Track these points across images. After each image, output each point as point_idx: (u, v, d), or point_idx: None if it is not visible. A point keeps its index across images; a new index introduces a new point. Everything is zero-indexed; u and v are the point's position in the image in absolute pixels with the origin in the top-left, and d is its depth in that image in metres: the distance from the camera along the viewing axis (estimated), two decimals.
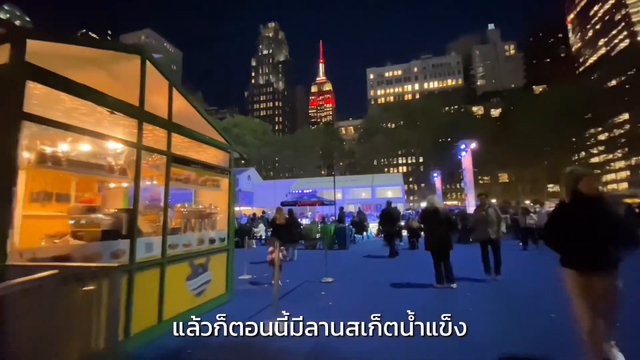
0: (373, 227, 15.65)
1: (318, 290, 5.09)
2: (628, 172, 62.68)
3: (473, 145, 18.26)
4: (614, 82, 53.58)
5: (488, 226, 5.87)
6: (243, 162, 60.44)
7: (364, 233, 13.49)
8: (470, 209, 17.39)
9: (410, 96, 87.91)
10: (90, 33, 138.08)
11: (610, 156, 61.24)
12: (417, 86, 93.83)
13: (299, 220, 12.11)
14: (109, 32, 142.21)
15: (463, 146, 18.41)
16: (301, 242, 10.08)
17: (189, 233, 3.90)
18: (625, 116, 56.02)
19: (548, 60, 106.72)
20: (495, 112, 70.64)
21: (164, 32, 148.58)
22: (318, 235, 10.88)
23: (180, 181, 4.05)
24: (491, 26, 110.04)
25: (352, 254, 9.32)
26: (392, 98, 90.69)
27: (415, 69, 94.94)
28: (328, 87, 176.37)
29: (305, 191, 40.00)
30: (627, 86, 53.41)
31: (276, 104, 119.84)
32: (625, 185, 63.34)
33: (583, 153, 63.23)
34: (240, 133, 59.16)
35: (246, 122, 63.79)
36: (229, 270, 4.44)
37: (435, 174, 30.66)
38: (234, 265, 4.60)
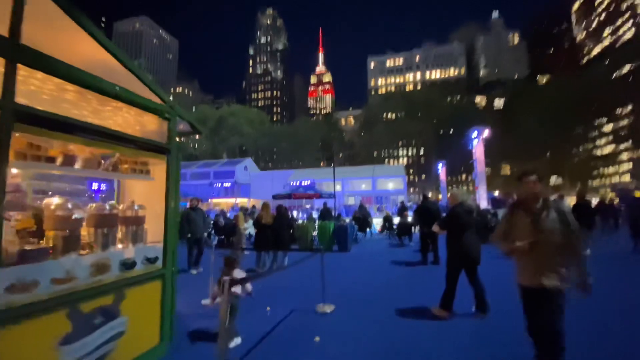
0: (376, 222, 14.05)
1: (310, 332, 3.39)
2: (630, 165, 61.19)
3: (486, 133, 16.48)
4: (618, 73, 51.88)
5: None
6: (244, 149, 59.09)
7: (367, 230, 11.91)
8: (483, 202, 15.77)
9: (411, 86, 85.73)
10: None
11: (614, 148, 59.94)
12: (418, 76, 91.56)
13: (293, 216, 10.47)
14: (103, 19, 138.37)
15: (475, 134, 16.63)
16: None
17: (69, 257, 2.16)
18: (629, 108, 54.66)
19: (552, 50, 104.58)
20: (498, 103, 68.97)
21: (160, 20, 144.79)
22: (315, 233, 9.28)
23: (55, 162, 2.32)
24: (495, 14, 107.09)
25: (356, 259, 7.88)
26: (393, 88, 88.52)
27: (417, 58, 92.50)
28: (328, 78, 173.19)
29: (303, 183, 38.38)
30: (631, 78, 51.82)
31: (274, 93, 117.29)
32: (627, 177, 61.88)
33: (588, 145, 62.01)
34: (237, 123, 57.27)
35: (243, 111, 61.83)
36: (165, 308, 2.76)
37: (440, 165, 28.93)
38: (174, 298, 2.91)
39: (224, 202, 39.17)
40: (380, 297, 4.70)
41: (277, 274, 5.36)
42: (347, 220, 11.72)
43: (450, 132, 55.98)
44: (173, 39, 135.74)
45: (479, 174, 16.50)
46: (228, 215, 11.86)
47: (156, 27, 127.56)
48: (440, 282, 3.97)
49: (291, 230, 7.35)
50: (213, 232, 10.02)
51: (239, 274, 3.17)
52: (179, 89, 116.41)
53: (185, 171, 44.53)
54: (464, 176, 69.59)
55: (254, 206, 12.71)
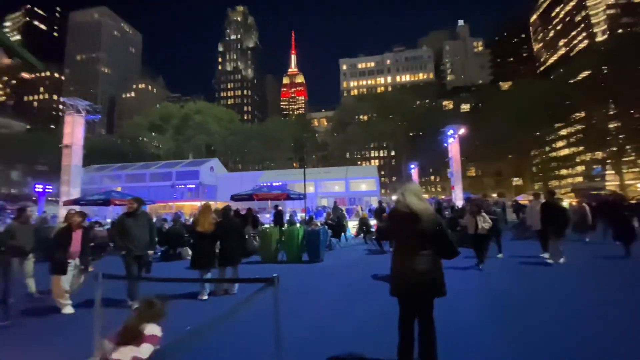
0: (351, 225, 12.95)
1: None
2: (583, 167, 65.46)
3: (462, 131, 16.04)
4: (573, 81, 55.29)
5: None
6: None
7: (342, 234, 10.78)
8: (459, 202, 15.24)
9: (383, 89, 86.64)
10: (35, 9, 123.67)
11: (570, 151, 63.82)
12: (389, 79, 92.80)
13: (256, 219, 9.06)
14: (58, 8, 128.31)
15: (451, 132, 16.16)
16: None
17: None
18: (582, 114, 58.31)
19: (512, 59, 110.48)
20: (464, 107, 71.25)
21: (121, 12, 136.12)
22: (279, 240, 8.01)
23: None
24: (461, 22, 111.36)
25: (329, 274, 6.58)
26: (365, 90, 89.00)
27: (388, 61, 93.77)
28: (300, 79, 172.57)
29: (274, 184, 36.92)
30: (584, 85, 55.32)
31: (245, 92, 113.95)
32: (580, 179, 66.09)
33: (547, 148, 65.62)
34: (203, 120, 54.38)
35: (210, 108, 58.96)
36: None
37: (412, 166, 28.67)
38: None
39: (188, 205, 36.74)
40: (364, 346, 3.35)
41: (215, 303, 3.98)
42: (320, 223, 10.51)
43: (421, 134, 56.80)
44: (136, 32, 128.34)
45: (455, 172, 16.02)
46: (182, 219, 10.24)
47: (117, 18, 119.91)
48: (439, 310, 2.81)
49: (243, 241, 5.75)
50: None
51: (148, 340, 1.96)
52: (141, 85, 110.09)
53: (144, 172, 41.51)
54: (432, 177, 71.19)
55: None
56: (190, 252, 8.57)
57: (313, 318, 4.13)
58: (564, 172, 66.72)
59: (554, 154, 65.54)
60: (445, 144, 16.87)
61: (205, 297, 4.67)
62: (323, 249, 7.76)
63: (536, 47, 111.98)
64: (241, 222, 8.36)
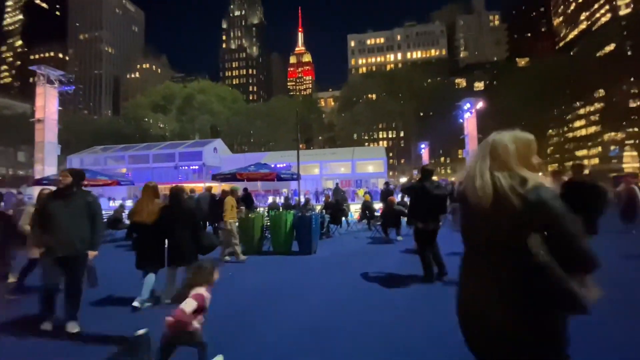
0: (354, 209, 11.74)
1: None
2: (600, 149, 62.66)
3: (480, 105, 14.41)
4: (593, 57, 52.03)
5: None
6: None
7: (343, 219, 9.59)
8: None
9: (392, 66, 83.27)
10: None
11: (587, 131, 61.00)
12: (399, 55, 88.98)
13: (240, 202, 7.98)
14: None
15: (467, 106, 14.54)
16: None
17: None
18: (602, 92, 55.38)
19: (529, 34, 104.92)
20: (478, 85, 68.31)
21: None
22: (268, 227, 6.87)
23: None
24: None
25: (320, 271, 5.36)
26: (373, 68, 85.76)
27: (399, 37, 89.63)
28: (307, 58, 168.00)
29: (278, 165, 35.90)
30: (605, 60, 52.15)
31: (250, 71, 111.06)
32: (595, 160, 63.41)
33: (564, 127, 62.88)
34: (206, 100, 53.07)
35: (214, 88, 57.41)
36: None
37: (422, 146, 27.08)
38: None
39: (193, 187, 36.10)
40: None
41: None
42: (319, 207, 9.32)
43: (431, 114, 54.60)
44: (138, 10, 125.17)
45: (471, 151, 14.46)
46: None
47: None
48: None
49: (199, 234, 3.90)
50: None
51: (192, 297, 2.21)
52: (145, 65, 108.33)
53: (147, 153, 40.95)
54: (443, 159, 69.09)
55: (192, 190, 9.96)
56: None
57: (286, 337, 2.99)
58: (579, 153, 64.00)
59: (571, 134, 62.88)
60: (461, 120, 15.28)
61: (137, 304, 3.51)
62: (316, 239, 6.60)
63: (556, 21, 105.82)
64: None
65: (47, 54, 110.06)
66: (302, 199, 9.95)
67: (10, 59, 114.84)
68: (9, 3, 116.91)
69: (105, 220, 7.93)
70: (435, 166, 65.27)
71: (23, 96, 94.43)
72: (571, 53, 60.43)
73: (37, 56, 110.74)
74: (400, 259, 5.92)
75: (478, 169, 1.31)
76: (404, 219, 7.29)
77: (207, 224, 7.77)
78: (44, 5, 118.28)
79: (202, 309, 2.23)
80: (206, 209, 7.19)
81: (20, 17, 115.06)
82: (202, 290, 2.27)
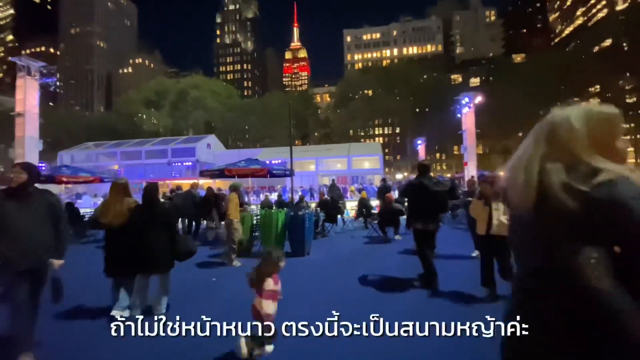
0: (350, 206, 11.38)
1: None
2: None
3: (479, 99, 14.07)
4: (589, 53, 52.08)
5: None
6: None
7: (339, 217, 9.22)
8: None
9: (388, 61, 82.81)
10: None
11: None
12: (395, 51, 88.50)
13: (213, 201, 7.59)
14: None
15: (466, 100, 14.20)
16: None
17: None
18: (598, 88, 55.56)
19: (525, 30, 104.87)
20: (474, 81, 68.20)
21: None
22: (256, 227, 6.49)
23: None
24: None
25: (312, 276, 4.88)
26: (369, 63, 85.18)
27: (395, 32, 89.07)
28: (303, 53, 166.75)
29: (273, 162, 35.45)
30: (601, 56, 52.27)
31: (245, 66, 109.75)
32: None
33: None
34: (200, 96, 52.21)
35: (208, 83, 56.53)
36: None
37: (419, 142, 26.79)
38: None
39: (186, 184, 35.58)
40: None
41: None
42: (314, 204, 8.94)
43: (427, 110, 54.35)
44: (131, 3, 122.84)
45: (469, 147, 14.20)
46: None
47: None
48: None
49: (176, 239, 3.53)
50: None
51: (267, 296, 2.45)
52: (138, 60, 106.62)
53: (139, 149, 40.24)
54: (438, 155, 69.02)
55: (178, 187, 9.43)
56: None
57: (273, 353, 2.62)
58: None
59: None
60: (459, 115, 14.95)
61: (115, 312, 3.12)
62: (310, 239, 6.23)
63: (551, 17, 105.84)
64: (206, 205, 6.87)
65: (38, 49, 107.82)
66: (296, 197, 9.58)
67: (2, 54, 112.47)
68: None
69: (87, 219, 7.51)
70: (431, 162, 65.32)
71: (14, 92, 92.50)
72: (567, 49, 60.50)
73: (28, 51, 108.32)
74: (400, 261, 5.58)
75: (525, 159, 0.94)
76: (403, 217, 6.97)
77: (193, 224, 7.37)
78: None
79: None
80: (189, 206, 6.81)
81: (12, 11, 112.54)
82: (271, 285, 2.44)
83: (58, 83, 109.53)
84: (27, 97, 9.54)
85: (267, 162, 32.47)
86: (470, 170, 13.79)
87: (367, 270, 4.85)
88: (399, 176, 61.18)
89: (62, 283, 3.32)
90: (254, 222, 6.46)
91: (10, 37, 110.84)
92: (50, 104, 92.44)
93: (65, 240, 2.87)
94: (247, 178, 7.57)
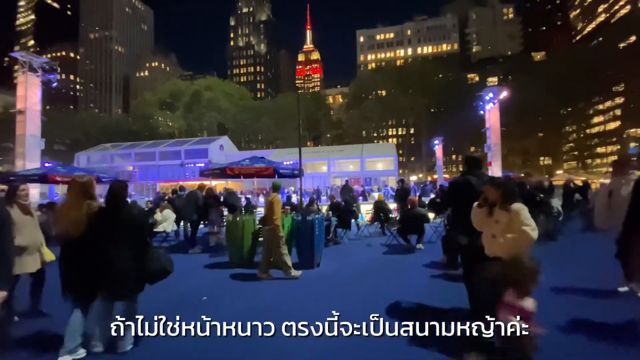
0: (365, 209, 10.55)
1: None
2: (618, 146, 60.02)
3: (504, 94, 13.01)
4: (613, 50, 49.73)
5: None
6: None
7: (353, 222, 8.43)
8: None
9: (402, 61, 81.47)
10: None
11: (603, 128, 58.47)
12: (410, 51, 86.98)
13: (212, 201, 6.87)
14: None
15: (490, 95, 13.15)
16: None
17: None
18: (622, 86, 53.13)
19: (544, 28, 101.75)
20: (491, 80, 66.24)
21: None
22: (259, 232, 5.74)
23: None
24: None
25: (326, 293, 4.18)
26: (383, 64, 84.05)
27: (409, 32, 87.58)
28: (316, 55, 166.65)
29: (285, 163, 34.90)
30: (626, 53, 49.91)
31: (258, 68, 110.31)
32: (613, 158, 60.77)
33: (581, 124, 60.48)
34: (213, 97, 52.36)
35: (220, 85, 56.76)
36: None
37: (436, 142, 25.68)
38: None
39: (198, 185, 35.61)
40: None
41: None
42: (325, 208, 8.18)
43: (443, 110, 52.92)
44: (148, 8, 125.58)
45: (494, 146, 13.11)
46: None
47: None
48: None
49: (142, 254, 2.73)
50: None
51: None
52: (154, 64, 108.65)
53: (153, 150, 40.57)
54: (454, 156, 67.12)
55: (180, 187, 8.80)
56: None
57: None
58: (600, 150, 61.24)
59: (590, 130, 60.45)
60: (482, 112, 13.91)
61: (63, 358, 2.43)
62: (319, 249, 5.44)
63: (572, 14, 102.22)
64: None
65: (58, 53, 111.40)
66: (304, 199, 8.86)
67: None
68: (22, 3, 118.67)
69: None
70: (446, 164, 63.60)
71: None
72: (590, 46, 58.18)
73: (48, 55, 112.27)
74: (428, 278, 4.74)
75: None
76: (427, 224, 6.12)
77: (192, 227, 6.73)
78: (55, 5, 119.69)
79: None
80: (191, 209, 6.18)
81: (33, 17, 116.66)
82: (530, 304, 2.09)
83: (78, 87, 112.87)
84: (29, 93, 9.21)
85: (281, 163, 31.98)
86: (495, 172, 12.74)
87: (388, 290, 3.99)
88: (413, 178, 59.79)
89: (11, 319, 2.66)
90: (257, 227, 5.63)
91: (32, 42, 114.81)
92: (71, 107, 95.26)
93: (7, 266, 2.10)
94: (252, 178, 6.88)
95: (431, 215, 7.46)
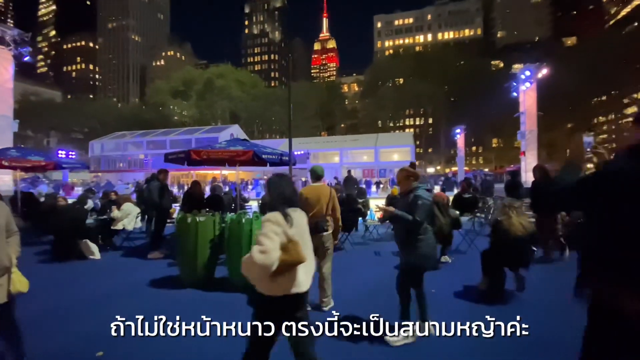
0: (375, 205, 9.09)
1: None
2: None
3: (544, 72, 11.13)
4: None
5: None
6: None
7: (360, 220, 7.03)
8: (530, 173, 10.77)
9: (421, 48, 77.96)
10: None
11: None
12: (430, 36, 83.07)
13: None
14: None
15: (527, 73, 11.31)
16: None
17: None
18: None
19: (575, 12, 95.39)
20: (517, 67, 62.39)
21: None
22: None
23: None
24: None
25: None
26: (401, 50, 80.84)
27: (429, 17, 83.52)
28: (332, 44, 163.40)
29: (296, 153, 33.64)
30: None
31: (272, 57, 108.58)
32: None
33: (619, 113, 56.37)
34: (225, 85, 51.47)
35: (233, 72, 55.74)
36: None
37: (457, 131, 23.70)
38: None
39: (210, 174, 35.01)
40: None
41: None
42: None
43: (463, 99, 50.12)
44: None
45: (529, 133, 11.32)
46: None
47: None
48: None
49: None
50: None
51: None
52: (170, 53, 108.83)
53: (164, 139, 40.34)
54: (474, 148, 64.00)
55: (147, 179, 7.57)
56: (95, 248, 5.37)
57: None
58: None
59: (623, 121, 56.30)
60: (515, 94, 12.09)
61: None
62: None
63: None
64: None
65: (78, 44, 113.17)
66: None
67: (46, 49, 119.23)
68: None
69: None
70: (467, 156, 60.64)
71: (54, 84, 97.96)
72: (624, 32, 53.81)
73: (69, 45, 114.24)
74: (460, 313, 3.25)
75: None
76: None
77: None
78: None
79: None
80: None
81: (54, 7, 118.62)
82: None
83: (97, 76, 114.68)
84: (0, 69, 8.24)
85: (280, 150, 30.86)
86: (530, 163, 10.94)
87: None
88: (431, 170, 57.36)
89: None
90: (218, 231, 4.03)
91: (53, 32, 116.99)
92: (91, 96, 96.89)
93: None
94: (226, 165, 5.51)
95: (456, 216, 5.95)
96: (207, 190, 10.09)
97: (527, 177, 11.01)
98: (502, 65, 63.56)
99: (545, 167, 5.24)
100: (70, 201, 6.09)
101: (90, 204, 6.09)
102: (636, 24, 54.34)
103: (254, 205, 8.04)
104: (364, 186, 12.24)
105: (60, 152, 27.05)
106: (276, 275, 1.66)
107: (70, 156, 26.86)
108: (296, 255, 1.68)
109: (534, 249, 3.47)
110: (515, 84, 11.84)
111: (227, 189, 10.15)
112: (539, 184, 4.95)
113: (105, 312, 3.11)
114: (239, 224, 3.68)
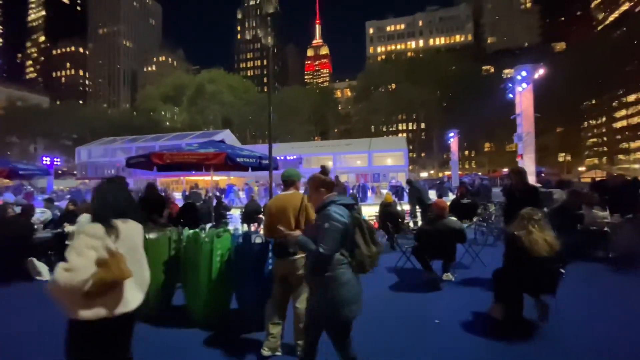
0: (368, 212, 8.52)
1: None
2: None
3: (541, 72, 10.76)
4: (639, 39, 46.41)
5: None
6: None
7: None
8: (530, 177, 10.33)
9: (413, 54, 78.59)
10: None
11: (631, 121, 54.88)
12: (421, 42, 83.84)
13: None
14: None
15: (523, 74, 10.94)
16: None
17: None
18: None
19: (563, 18, 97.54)
20: (507, 72, 63.05)
21: None
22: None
23: None
24: None
25: None
26: (393, 56, 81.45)
27: (420, 23, 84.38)
28: (325, 50, 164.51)
29: (288, 157, 33.02)
30: None
31: (264, 62, 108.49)
32: (638, 155, 57.06)
33: (604, 118, 57.16)
34: (216, 90, 50.84)
35: (224, 77, 55.20)
36: None
37: (451, 134, 23.41)
38: None
39: (201, 180, 34.20)
40: None
41: None
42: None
43: (455, 104, 50.30)
44: (156, 3, 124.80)
45: (526, 135, 10.91)
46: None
47: None
48: None
49: None
50: None
51: None
52: (162, 58, 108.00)
53: (154, 144, 39.43)
54: (467, 152, 64.21)
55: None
56: (43, 267, 4.69)
57: None
58: (624, 145, 57.36)
59: (614, 124, 57.03)
60: (511, 95, 11.70)
61: None
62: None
63: (593, 3, 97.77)
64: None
65: (68, 49, 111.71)
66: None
67: (35, 54, 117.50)
68: None
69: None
70: (460, 160, 60.67)
71: (43, 89, 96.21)
72: (612, 37, 54.94)
73: (59, 51, 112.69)
74: (467, 352, 2.68)
75: None
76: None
77: None
78: (65, 0, 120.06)
79: None
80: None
81: (43, 12, 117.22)
82: None
83: (87, 82, 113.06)
84: None
85: (282, 157, 30.15)
86: (528, 166, 10.50)
87: None
88: (424, 174, 57.24)
89: None
90: (173, 251, 3.27)
91: (43, 37, 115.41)
92: (80, 102, 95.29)
93: None
94: (195, 171, 4.92)
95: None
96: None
97: (530, 182, 10.50)
98: (492, 70, 64.26)
99: (523, 171, 4.57)
100: (25, 212, 5.39)
101: (47, 214, 5.44)
102: (624, 29, 55.45)
103: (236, 213, 7.37)
104: (354, 191, 11.67)
105: (44, 158, 26.14)
106: (95, 297, 1.45)
107: (55, 162, 25.96)
108: (118, 272, 1.47)
109: (562, 271, 2.86)
110: (511, 85, 11.44)
111: (210, 194, 9.47)
112: (515, 189, 4.23)
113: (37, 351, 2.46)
114: (195, 243, 2.98)
